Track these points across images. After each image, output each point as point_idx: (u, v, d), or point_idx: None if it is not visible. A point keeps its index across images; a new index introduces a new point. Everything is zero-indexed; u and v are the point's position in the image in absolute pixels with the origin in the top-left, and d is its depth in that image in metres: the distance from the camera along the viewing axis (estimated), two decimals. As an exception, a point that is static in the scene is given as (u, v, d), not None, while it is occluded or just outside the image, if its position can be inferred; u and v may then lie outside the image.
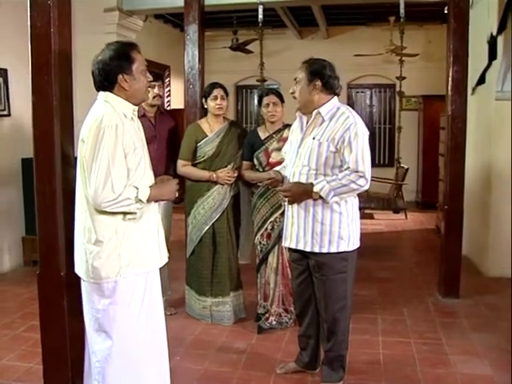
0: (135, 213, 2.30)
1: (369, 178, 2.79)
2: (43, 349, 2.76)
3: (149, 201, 2.35)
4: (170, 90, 8.87)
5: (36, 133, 2.61)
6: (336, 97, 2.92)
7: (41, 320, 2.74)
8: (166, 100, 8.79)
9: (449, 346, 3.58)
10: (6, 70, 5.18)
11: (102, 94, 2.36)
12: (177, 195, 2.58)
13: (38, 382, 2.88)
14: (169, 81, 8.84)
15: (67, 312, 2.62)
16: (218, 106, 3.82)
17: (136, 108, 2.43)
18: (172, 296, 4.36)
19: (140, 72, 2.37)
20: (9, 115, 5.30)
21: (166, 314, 4.03)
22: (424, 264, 5.59)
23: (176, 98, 8.71)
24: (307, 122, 2.94)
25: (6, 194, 5.33)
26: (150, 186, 2.39)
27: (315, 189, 2.76)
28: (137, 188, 2.27)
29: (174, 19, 8.19)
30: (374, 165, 9.93)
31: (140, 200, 2.27)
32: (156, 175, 2.55)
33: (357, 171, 2.75)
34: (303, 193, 2.81)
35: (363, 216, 7.79)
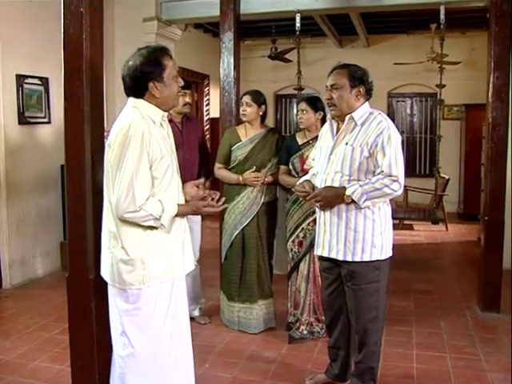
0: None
1: (402, 183, 2.72)
2: (71, 351, 2.78)
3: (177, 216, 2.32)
4: (208, 99, 8.91)
5: (67, 137, 2.65)
6: (367, 102, 2.87)
7: (69, 323, 2.77)
8: (204, 109, 8.85)
9: (487, 362, 3.44)
10: (47, 79, 5.33)
11: (131, 99, 2.33)
12: (211, 211, 2.43)
13: (67, 384, 2.92)
14: (208, 90, 8.88)
15: (95, 315, 2.63)
16: (242, 112, 3.91)
17: (166, 114, 2.39)
18: (206, 304, 4.36)
19: (172, 78, 2.31)
20: (49, 123, 5.43)
21: (200, 324, 4.09)
22: (464, 277, 5.42)
23: (215, 107, 8.75)
24: (337, 128, 2.90)
25: (45, 200, 5.45)
26: (182, 205, 2.35)
27: (347, 192, 2.70)
28: (163, 209, 2.22)
29: (213, 28, 8.24)
30: (414, 175, 9.64)
31: (162, 224, 2.23)
32: (183, 182, 2.49)
33: (390, 175, 2.69)
34: (335, 196, 2.75)
35: (402, 227, 7.68)
